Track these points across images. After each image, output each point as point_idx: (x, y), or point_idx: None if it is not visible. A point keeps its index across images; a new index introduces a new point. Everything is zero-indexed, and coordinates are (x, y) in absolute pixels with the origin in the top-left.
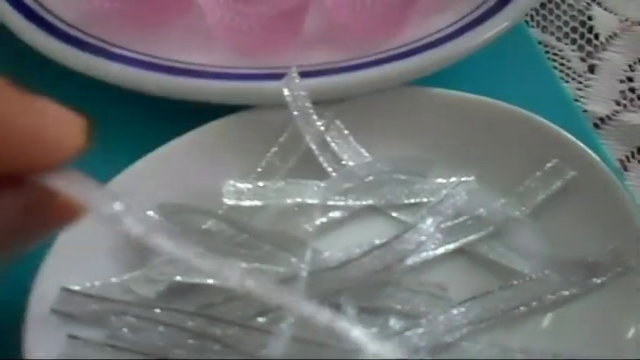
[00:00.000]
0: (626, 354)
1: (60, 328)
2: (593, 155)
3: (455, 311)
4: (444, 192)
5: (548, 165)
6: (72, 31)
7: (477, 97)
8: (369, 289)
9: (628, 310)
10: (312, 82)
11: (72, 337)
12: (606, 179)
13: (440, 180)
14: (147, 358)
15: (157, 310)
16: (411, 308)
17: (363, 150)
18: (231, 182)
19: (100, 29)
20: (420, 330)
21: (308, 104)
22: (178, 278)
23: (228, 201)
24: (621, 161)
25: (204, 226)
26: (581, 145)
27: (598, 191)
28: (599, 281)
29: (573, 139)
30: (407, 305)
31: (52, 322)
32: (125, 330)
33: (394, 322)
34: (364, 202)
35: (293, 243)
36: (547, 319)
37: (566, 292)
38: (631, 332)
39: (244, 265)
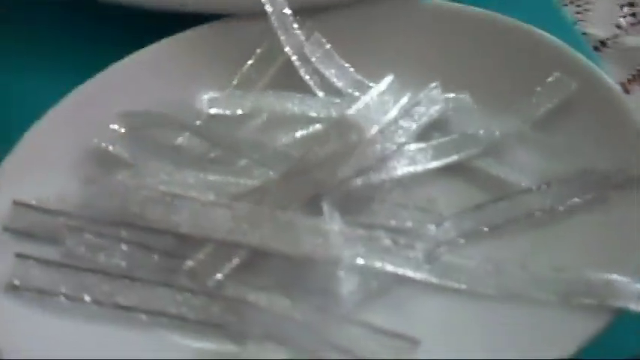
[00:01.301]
0: (626, 269)
1: (11, 246)
2: (595, 67)
3: (445, 224)
4: (420, 95)
5: (549, 79)
6: None
7: (473, 8)
8: (351, 204)
9: (630, 223)
10: None
11: (21, 256)
12: (609, 91)
13: (435, 96)
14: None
15: (120, 228)
16: (398, 223)
17: (347, 65)
18: (205, 91)
19: None
20: (413, 242)
21: (286, 11)
22: (144, 193)
23: (201, 108)
24: (622, 84)
25: (176, 142)
26: (583, 57)
27: (600, 104)
28: (601, 193)
29: (574, 51)
30: (393, 220)
31: (3, 241)
32: (83, 248)
33: (383, 236)
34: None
35: (271, 155)
36: (545, 233)
37: (567, 204)
38: (634, 246)
39: (216, 178)
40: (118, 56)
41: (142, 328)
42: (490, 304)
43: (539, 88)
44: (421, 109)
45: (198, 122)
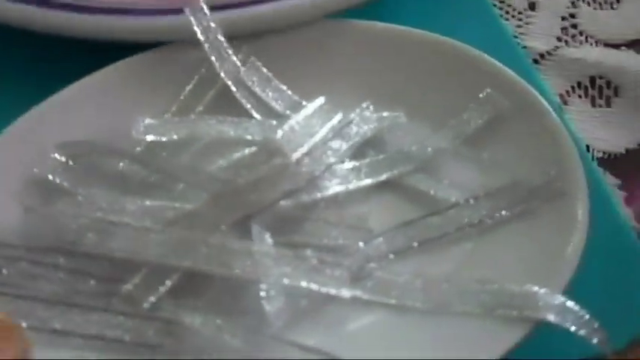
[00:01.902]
0: (551, 281)
1: None
2: (524, 83)
3: (376, 241)
4: (352, 115)
5: (481, 95)
6: None
7: (405, 28)
8: (283, 224)
9: (555, 237)
10: (222, 14)
11: None
12: (538, 107)
13: (368, 115)
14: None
15: (57, 255)
16: (329, 241)
17: (284, 87)
18: (142, 117)
19: None
20: (340, 260)
21: (220, 37)
22: (81, 220)
23: (138, 136)
24: (561, 96)
25: (116, 169)
26: (513, 73)
27: (530, 119)
28: (528, 206)
29: (505, 68)
30: (324, 238)
31: None
32: (19, 276)
33: (310, 255)
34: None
35: (205, 179)
36: (474, 246)
37: (496, 217)
38: (558, 257)
39: (153, 203)
40: (57, 87)
41: (79, 352)
42: (418, 318)
43: (471, 105)
44: (353, 129)
45: (137, 149)
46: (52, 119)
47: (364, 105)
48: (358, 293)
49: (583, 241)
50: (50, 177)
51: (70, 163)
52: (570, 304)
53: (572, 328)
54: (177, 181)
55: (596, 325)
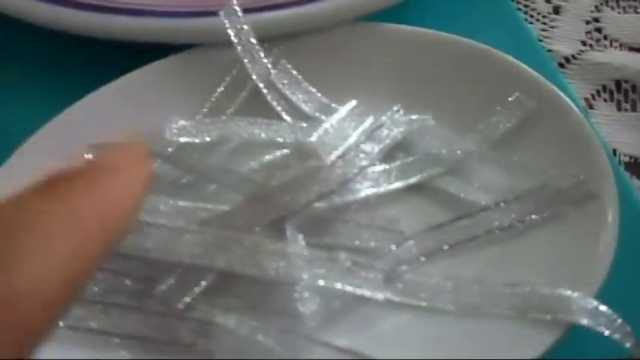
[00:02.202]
0: (583, 284)
1: None
2: (553, 87)
3: (407, 243)
4: (383, 118)
5: (509, 99)
6: None
7: (434, 32)
8: (316, 226)
9: (585, 240)
10: (255, 17)
11: None
12: (567, 110)
13: (398, 118)
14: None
15: None
16: (361, 243)
17: (314, 90)
18: (175, 119)
19: None
20: (373, 263)
21: (253, 40)
22: None
23: (170, 137)
24: (586, 100)
25: None
26: (541, 77)
27: (558, 121)
28: (558, 209)
29: (532, 71)
30: (356, 240)
31: None
32: None
33: (344, 257)
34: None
35: (237, 181)
36: (504, 249)
37: (525, 221)
38: (589, 260)
39: (186, 204)
40: (92, 88)
41: (114, 351)
42: (449, 320)
43: (499, 108)
44: (384, 131)
45: (170, 150)
46: (86, 119)
47: (395, 108)
48: (390, 295)
49: (614, 244)
50: None
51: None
52: (603, 307)
53: (606, 332)
54: (210, 181)
55: (628, 328)
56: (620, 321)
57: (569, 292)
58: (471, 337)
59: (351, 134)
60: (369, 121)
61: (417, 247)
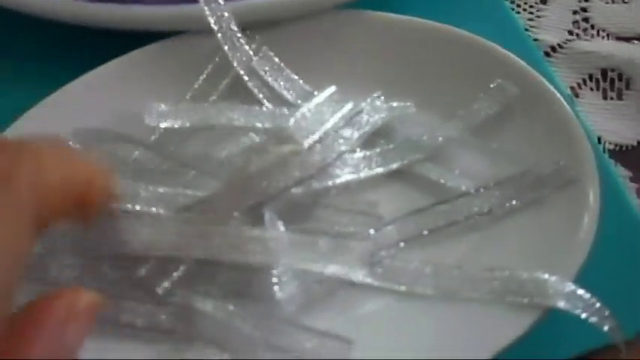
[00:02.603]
0: (561, 268)
1: None
2: (535, 73)
3: (387, 228)
4: (363, 104)
5: (492, 85)
6: None
7: (417, 19)
8: (295, 211)
9: (564, 225)
10: (236, 4)
11: None
12: (549, 96)
13: (379, 104)
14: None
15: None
16: (340, 228)
17: (296, 77)
18: (155, 105)
19: None
20: (352, 247)
21: (234, 27)
22: None
23: (151, 123)
24: (573, 88)
25: (130, 157)
26: (524, 63)
27: (541, 109)
28: (538, 194)
29: (516, 58)
30: (336, 225)
31: None
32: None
33: (322, 242)
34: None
35: (216, 166)
36: (484, 234)
37: (506, 206)
38: (568, 245)
39: (166, 190)
40: (72, 75)
41: (92, 338)
42: (428, 304)
43: (481, 95)
44: (364, 117)
45: (152, 137)
46: (67, 107)
47: (375, 95)
48: (369, 279)
49: (594, 228)
50: None
51: (84, 150)
52: (581, 291)
53: (583, 315)
54: (190, 168)
55: (607, 312)
56: (598, 304)
57: (546, 276)
58: (450, 321)
59: (329, 119)
60: (348, 107)
61: (397, 231)
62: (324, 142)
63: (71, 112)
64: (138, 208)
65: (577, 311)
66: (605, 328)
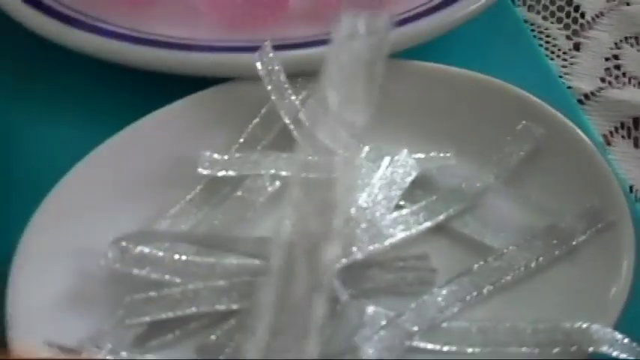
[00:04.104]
0: (608, 314)
1: None
2: (566, 120)
3: (442, 292)
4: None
5: (518, 127)
6: (61, 8)
7: (452, 67)
8: (351, 273)
9: (606, 269)
10: (287, 54)
11: None
12: (581, 144)
13: (419, 155)
14: None
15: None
16: (396, 286)
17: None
18: (208, 153)
19: (90, 6)
20: (410, 314)
21: (282, 78)
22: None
23: (203, 171)
24: (605, 136)
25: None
26: (555, 110)
27: (572, 155)
28: (575, 242)
29: (546, 105)
30: (392, 284)
31: None
32: None
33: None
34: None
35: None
36: (523, 289)
37: (541, 260)
38: (613, 290)
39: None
40: (129, 119)
41: None
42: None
43: (509, 138)
44: (399, 173)
45: (199, 187)
46: (126, 149)
47: (404, 151)
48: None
49: (631, 274)
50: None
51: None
52: (621, 336)
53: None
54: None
55: None
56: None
57: (589, 325)
58: None
59: (372, 181)
60: (385, 164)
61: (452, 296)
62: (373, 202)
63: (132, 154)
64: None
65: (621, 356)
66: None
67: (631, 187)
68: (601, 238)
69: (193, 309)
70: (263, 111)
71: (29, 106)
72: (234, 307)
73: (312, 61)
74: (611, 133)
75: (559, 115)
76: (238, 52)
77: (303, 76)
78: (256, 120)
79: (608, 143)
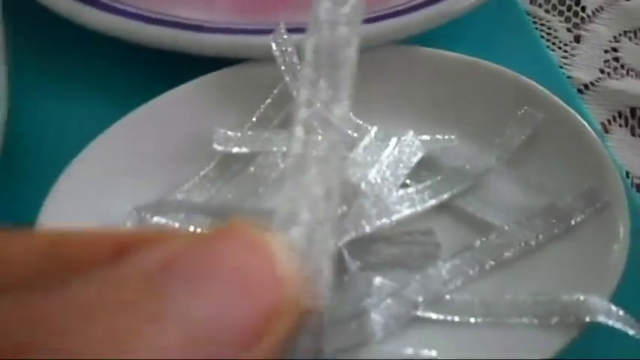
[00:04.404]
0: (604, 288)
1: None
2: (566, 106)
3: (446, 265)
4: (405, 138)
5: (520, 113)
6: None
7: (459, 55)
8: (358, 246)
9: (602, 247)
10: (299, 37)
11: None
12: (581, 129)
13: (425, 137)
14: None
15: None
16: (402, 259)
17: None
18: (222, 130)
19: None
20: (415, 285)
21: (295, 60)
22: None
23: (218, 147)
24: (603, 124)
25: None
26: (556, 97)
27: (571, 139)
28: (573, 221)
29: (548, 92)
30: (398, 257)
31: None
32: None
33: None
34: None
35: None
36: (523, 264)
37: (540, 238)
38: (608, 265)
39: None
40: (147, 96)
41: None
42: (478, 332)
43: (511, 122)
44: (407, 152)
45: (212, 164)
46: (143, 125)
47: (410, 132)
48: (430, 313)
49: (625, 253)
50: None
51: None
52: (615, 308)
53: (622, 329)
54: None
55: None
56: (633, 320)
57: (585, 297)
58: (501, 343)
59: (379, 159)
60: (392, 144)
61: (455, 270)
62: (381, 179)
63: (143, 133)
64: None
65: (615, 325)
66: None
67: (627, 173)
68: (598, 217)
69: None
70: (275, 91)
71: (49, 83)
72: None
73: None
74: (609, 121)
75: (559, 100)
76: (251, 35)
77: None
78: (268, 100)
79: (606, 131)
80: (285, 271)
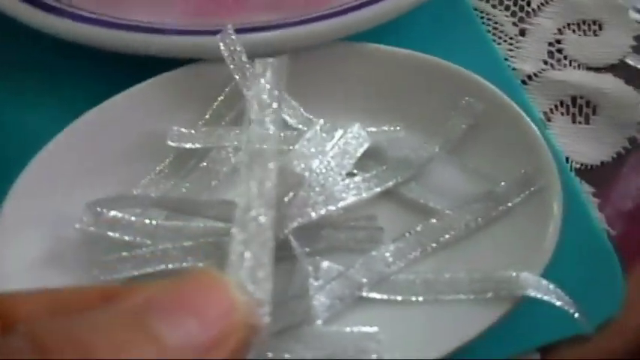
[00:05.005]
0: (536, 265)
1: None
2: (504, 96)
3: (390, 247)
4: (351, 130)
5: (461, 103)
6: None
7: (402, 49)
8: (306, 233)
9: (536, 229)
10: (246, 37)
11: None
12: (515, 115)
13: (371, 129)
14: None
15: None
16: (347, 244)
17: (295, 103)
18: (176, 128)
19: None
20: (359, 267)
21: (244, 58)
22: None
23: (172, 143)
24: (545, 113)
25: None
26: (495, 88)
27: (509, 127)
28: (509, 205)
29: (488, 83)
30: (343, 242)
31: None
32: None
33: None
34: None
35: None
36: (462, 245)
37: (479, 220)
38: (541, 245)
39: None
40: (103, 96)
41: None
42: (419, 309)
43: (453, 113)
44: (353, 142)
45: (167, 160)
46: (97, 127)
47: (356, 124)
48: (374, 293)
49: (557, 233)
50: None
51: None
52: (546, 282)
53: (552, 301)
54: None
55: (572, 302)
56: (564, 294)
57: (517, 273)
58: (440, 319)
59: (324, 150)
60: (338, 134)
61: (398, 252)
62: (326, 169)
63: (96, 135)
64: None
65: (546, 297)
66: (573, 312)
67: (567, 158)
68: (533, 200)
69: (162, 266)
70: (227, 90)
71: (2, 87)
72: (200, 265)
73: (269, 43)
74: (551, 110)
75: (498, 91)
76: (204, 36)
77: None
78: (221, 98)
79: (549, 119)
80: (235, 302)
